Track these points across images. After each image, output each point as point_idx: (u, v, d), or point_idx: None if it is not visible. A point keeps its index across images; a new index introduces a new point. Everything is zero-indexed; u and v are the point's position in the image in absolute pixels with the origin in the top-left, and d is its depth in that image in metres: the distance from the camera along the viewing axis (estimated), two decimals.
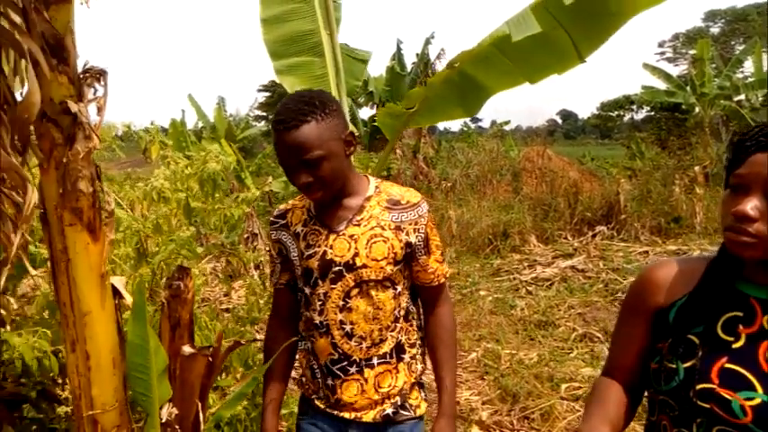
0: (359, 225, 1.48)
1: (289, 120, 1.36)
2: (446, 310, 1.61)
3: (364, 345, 1.50)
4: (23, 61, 1.21)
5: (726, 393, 0.98)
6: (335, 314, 1.49)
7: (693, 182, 9.18)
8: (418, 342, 1.61)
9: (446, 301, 1.62)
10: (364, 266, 1.46)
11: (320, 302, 1.50)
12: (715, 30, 40.58)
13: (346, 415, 1.53)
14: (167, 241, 2.41)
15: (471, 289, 6.25)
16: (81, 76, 1.30)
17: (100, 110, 1.31)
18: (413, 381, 1.58)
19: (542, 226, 8.31)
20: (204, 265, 3.28)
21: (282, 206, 1.65)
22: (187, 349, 1.66)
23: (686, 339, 1.06)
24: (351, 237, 1.47)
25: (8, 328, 2.35)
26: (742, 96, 14.94)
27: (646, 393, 1.20)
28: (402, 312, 1.54)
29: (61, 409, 2.53)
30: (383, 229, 1.48)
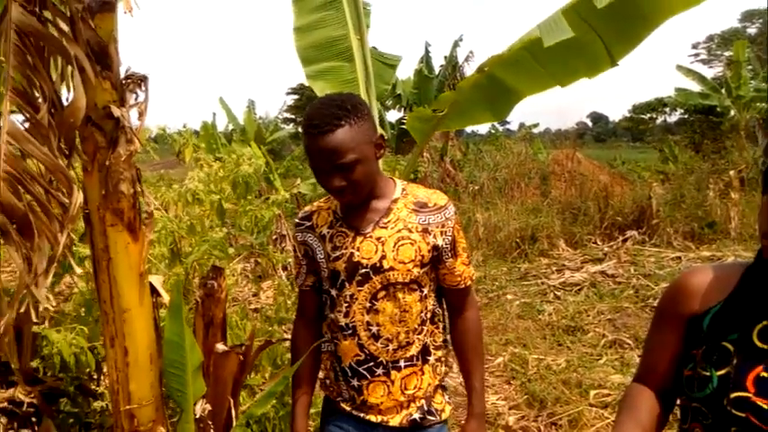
0: (386, 227, 1.49)
1: (323, 124, 1.36)
2: (472, 312, 1.61)
3: (390, 347, 1.50)
4: (69, 67, 1.27)
5: (762, 402, 0.97)
6: (362, 315, 1.49)
7: (728, 186, 8.96)
8: (443, 344, 1.62)
9: (472, 304, 1.62)
10: (391, 269, 1.46)
11: (346, 304, 1.50)
12: (752, 30, 39.48)
13: (372, 418, 1.54)
14: (200, 242, 2.46)
15: (498, 293, 6.21)
16: (123, 81, 1.35)
17: (141, 114, 1.36)
18: (437, 383, 1.59)
19: (571, 230, 8.21)
20: (235, 265, 3.34)
21: (307, 208, 1.65)
22: (220, 347, 1.71)
23: (720, 347, 1.05)
24: (378, 239, 1.48)
25: (47, 324, 2.43)
26: None
27: (678, 401, 1.19)
28: (428, 315, 1.55)
29: (97, 404, 2.60)
30: (410, 231, 1.48)
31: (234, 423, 1.80)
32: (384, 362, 1.51)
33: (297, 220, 1.63)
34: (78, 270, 1.75)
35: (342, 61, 3.41)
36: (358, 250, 1.48)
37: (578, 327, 5.05)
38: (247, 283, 5.61)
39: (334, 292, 1.52)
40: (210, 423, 1.65)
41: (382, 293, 1.48)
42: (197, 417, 1.62)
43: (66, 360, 2.37)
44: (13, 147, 1.15)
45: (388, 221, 1.49)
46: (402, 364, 1.52)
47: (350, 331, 1.51)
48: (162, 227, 2.50)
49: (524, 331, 5.00)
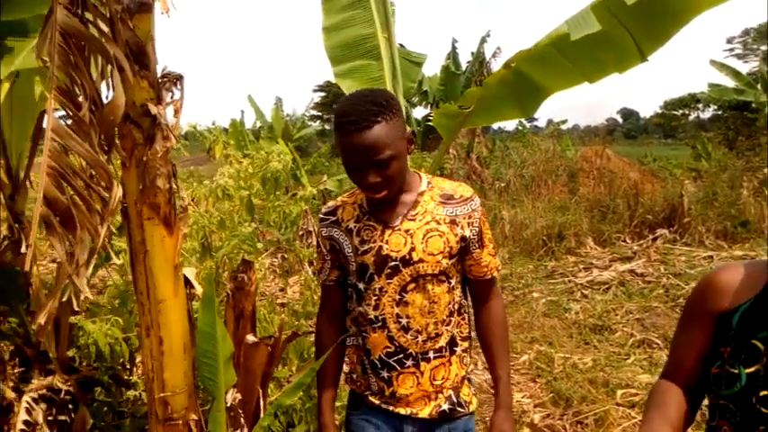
0: (414, 220, 1.50)
1: (360, 120, 1.36)
2: (497, 303, 1.63)
3: (420, 338, 1.52)
4: (109, 67, 1.31)
5: None
6: (392, 308, 1.51)
7: (763, 184, 8.73)
8: (468, 336, 1.64)
9: (497, 295, 1.63)
10: (421, 261, 1.48)
11: (375, 297, 1.52)
12: None
13: (401, 411, 1.55)
14: (230, 236, 2.52)
15: (524, 291, 6.17)
16: (160, 80, 1.40)
17: (176, 112, 1.41)
18: (464, 374, 1.61)
19: (599, 228, 8.09)
20: (263, 260, 3.40)
21: (331, 203, 1.66)
22: (250, 338, 1.75)
23: (750, 345, 1.05)
24: (406, 231, 1.50)
25: (82, 315, 2.52)
26: None
27: (707, 399, 1.19)
28: (456, 306, 1.57)
29: (130, 393, 2.68)
30: (438, 223, 1.50)
31: (262, 413, 1.84)
32: (413, 353, 1.53)
33: (321, 216, 1.64)
34: (118, 261, 1.81)
35: (369, 59, 3.43)
36: (387, 243, 1.50)
37: (606, 326, 4.99)
38: (274, 278, 5.70)
39: (361, 286, 1.54)
40: (241, 412, 1.69)
41: (412, 285, 1.50)
42: (228, 405, 1.67)
43: (101, 350, 2.45)
44: (56, 143, 1.21)
45: (416, 214, 1.51)
46: (431, 355, 1.54)
47: (379, 324, 1.53)
48: (194, 221, 2.56)
49: (550, 329, 4.97)
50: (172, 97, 1.41)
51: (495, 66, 14.96)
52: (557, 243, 7.80)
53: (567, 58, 2.62)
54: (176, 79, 1.40)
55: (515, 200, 9.85)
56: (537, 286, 6.35)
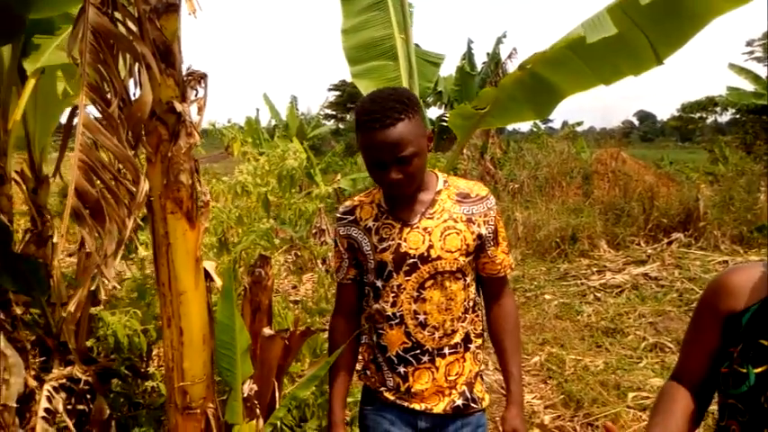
0: (432, 218, 1.53)
1: (384, 118, 1.38)
2: (509, 300, 1.66)
3: (437, 334, 1.55)
4: (137, 65, 1.36)
5: None
6: (410, 305, 1.54)
7: None
8: (481, 333, 1.66)
9: (509, 292, 1.66)
10: (439, 258, 1.51)
11: (393, 294, 1.54)
12: None
13: (416, 406, 1.58)
14: (248, 232, 2.57)
15: (536, 293, 6.17)
16: (185, 78, 1.44)
17: (200, 110, 1.45)
18: (477, 370, 1.63)
19: (614, 231, 8.05)
20: (277, 257, 3.45)
21: (348, 203, 1.68)
22: (267, 331, 1.79)
23: (759, 345, 1.06)
24: (424, 229, 1.53)
25: (101, 307, 2.57)
26: None
27: (716, 399, 1.20)
28: (470, 303, 1.60)
29: (147, 384, 2.73)
30: (455, 221, 1.53)
31: (277, 404, 1.88)
32: (430, 349, 1.55)
33: (339, 215, 1.66)
34: (143, 253, 1.86)
35: (386, 60, 3.47)
36: (405, 241, 1.53)
37: (618, 329, 4.98)
38: (287, 275, 5.75)
39: (380, 283, 1.57)
40: (256, 402, 1.73)
41: (430, 282, 1.52)
42: (244, 396, 1.71)
43: (119, 341, 2.51)
44: (87, 138, 1.25)
45: (434, 212, 1.54)
46: (447, 351, 1.57)
47: (397, 320, 1.55)
48: (213, 217, 2.61)
49: (562, 331, 4.97)
50: (196, 95, 1.46)
51: (511, 67, 14.90)
52: (570, 245, 7.77)
53: (583, 60, 2.63)
54: (200, 78, 1.44)
55: (529, 201, 9.83)
56: (549, 288, 6.34)
